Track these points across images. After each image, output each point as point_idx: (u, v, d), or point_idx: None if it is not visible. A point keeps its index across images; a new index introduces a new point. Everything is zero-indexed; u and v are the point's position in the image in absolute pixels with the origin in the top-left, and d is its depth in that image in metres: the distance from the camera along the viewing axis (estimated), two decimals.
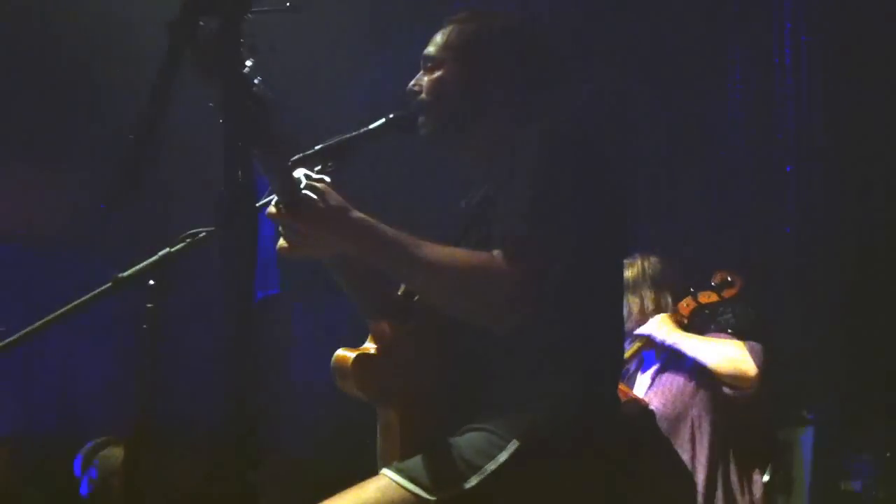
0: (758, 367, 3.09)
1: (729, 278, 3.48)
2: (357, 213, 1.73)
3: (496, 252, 1.76)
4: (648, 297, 3.39)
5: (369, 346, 2.03)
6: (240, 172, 1.00)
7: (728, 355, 3.13)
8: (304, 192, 1.69)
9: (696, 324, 3.42)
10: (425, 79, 2.05)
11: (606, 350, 2.00)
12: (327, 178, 1.75)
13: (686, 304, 3.45)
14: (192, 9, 1.01)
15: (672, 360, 3.33)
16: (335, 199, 1.71)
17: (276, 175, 1.66)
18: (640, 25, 4.46)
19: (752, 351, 3.12)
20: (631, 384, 3.40)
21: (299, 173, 1.74)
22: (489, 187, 2.03)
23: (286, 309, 5.43)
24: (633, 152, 4.39)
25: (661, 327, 3.31)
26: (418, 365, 2.00)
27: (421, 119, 2.03)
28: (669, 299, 3.42)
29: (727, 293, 3.47)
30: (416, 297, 2.00)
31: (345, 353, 1.99)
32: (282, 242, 1.78)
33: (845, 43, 3.97)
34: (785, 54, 4.15)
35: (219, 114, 1.36)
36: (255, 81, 1.33)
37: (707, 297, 3.47)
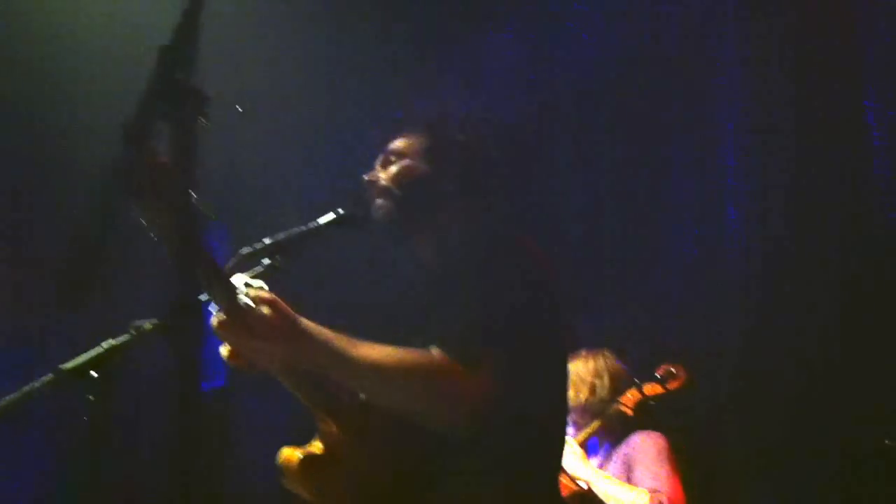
0: None
1: (673, 370, 3.55)
2: (301, 321, 1.74)
3: (438, 353, 1.78)
4: (585, 381, 3.45)
5: (316, 446, 2.01)
6: (185, 270, 1.02)
7: None
8: (244, 300, 1.69)
9: (641, 419, 3.47)
10: (390, 169, 2.12)
11: (554, 445, 2.03)
12: (265, 286, 1.75)
13: (631, 396, 3.50)
14: (146, 111, 1.04)
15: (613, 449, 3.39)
16: (278, 307, 1.71)
17: (213, 288, 1.67)
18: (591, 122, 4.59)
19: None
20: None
21: (239, 280, 1.75)
22: (435, 274, 2.07)
23: (232, 401, 5.35)
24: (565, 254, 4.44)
25: (571, 461, 3.30)
26: (365, 465, 1.98)
27: (380, 202, 2.09)
28: (607, 386, 3.47)
29: (671, 385, 3.54)
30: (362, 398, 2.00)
31: (291, 452, 1.98)
32: (225, 350, 1.79)
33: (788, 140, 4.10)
34: (728, 154, 4.26)
35: (152, 231, 1.39)
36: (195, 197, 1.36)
37: (652, 389, 3.53)
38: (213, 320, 1.73)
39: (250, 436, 5.22)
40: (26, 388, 2.09)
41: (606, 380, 3.49)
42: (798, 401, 3.81)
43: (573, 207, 4.56)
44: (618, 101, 4.53)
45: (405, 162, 2.12)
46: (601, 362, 3.52)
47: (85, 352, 2.04)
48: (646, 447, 3.32)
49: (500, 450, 1.86)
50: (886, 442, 3.42)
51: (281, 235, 1.96)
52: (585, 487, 3.25)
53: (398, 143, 2.15)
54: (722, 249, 4.23)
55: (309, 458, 1.96)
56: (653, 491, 3.15)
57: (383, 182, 2.10)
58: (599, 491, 3.20)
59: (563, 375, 2.11)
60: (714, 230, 4.26)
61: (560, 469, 2.13)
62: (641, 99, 4.47)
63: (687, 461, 3.34)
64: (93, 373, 2.04)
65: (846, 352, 3.72)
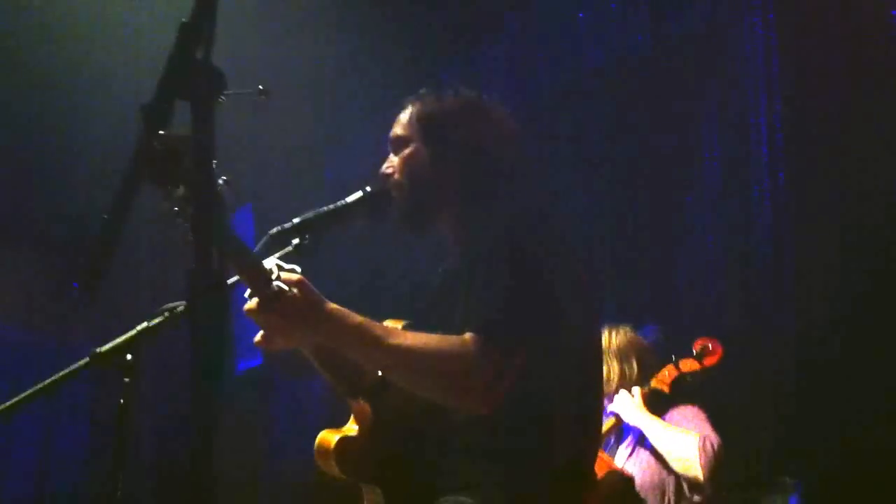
0: (708, 470, 3.12)
1: (710, 346, 3.50)
2: (329, 305, 1.75)
3: (468, 337, 1.76)
4: (613, 368, 3.41)
5: (352, 427, 2.02)
6: (210, 251, 1.01)
7: (681, 455, 3.14)
8: (276, 284, 1.70)
9: (681, 392, 3.43)
10: (395, 159, 2.08)
11: (581, 424, 2.00)
12: (298, 269, 1.76)
13: (668, 373, 3.46)
14: (166, 91, 1.03)
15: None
16: (308, 291, 1.73)
17: (245, 273, 1.69)
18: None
19: (705, 450, 3.13)
20: (612, 455, 3.39)
21: (271, 263, 1.76)
22: (459, 260, 2.04)
23: (269, 381, 5.40)
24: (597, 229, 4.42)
25: (626, 406, 3.32)
26: (399, 443, 1.99)
27: (394, 195, 2.05)
28: (636, 368, 3.43)
29: (708, 361, 3.49)
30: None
31: (327, 436, 2.00)
32: (259, 336, 1.80)
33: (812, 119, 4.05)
34: (761, 123, 4.21)
35: (179, 216, 1.39)
36: (220, 181, 1.36)
37: (688, 366, 3.48)
38: (248, 304, 1.74)
39: (286, 415, 5.27)
40: (63, 372, 2.12)
41: (634, 362, 3.45)
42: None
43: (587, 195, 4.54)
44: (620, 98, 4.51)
45: (409, 149, 2.06)
46: (625, 341, 3.47)
47: (118, 335, 2.06)
48: (688, 417, 3.29)
49: (525, 425, 1.85)
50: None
51: (309, 214, 1.96)
52: (621, 467, 3.24)
53: (399, 126, 2.09)
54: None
55: (344, 440, 1.98)
56: (703, 435, 3.16)
57: (393, 174, 2.06)
58: (652, 435, 3.22)
59: (595, 359, 2.09)
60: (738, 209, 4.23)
61: (595, 448, 2.12)
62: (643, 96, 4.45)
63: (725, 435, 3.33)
64: (128, 355, 2.06)
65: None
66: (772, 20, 4.09)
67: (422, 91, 2.13)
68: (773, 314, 3.95)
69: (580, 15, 4.69)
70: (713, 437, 3.16)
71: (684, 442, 3.16)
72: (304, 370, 2.07)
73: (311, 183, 4.53)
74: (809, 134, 3.95)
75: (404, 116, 2.10)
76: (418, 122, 2.06)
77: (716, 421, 3.27)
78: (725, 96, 4.25)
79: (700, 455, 3.10)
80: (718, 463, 3.13)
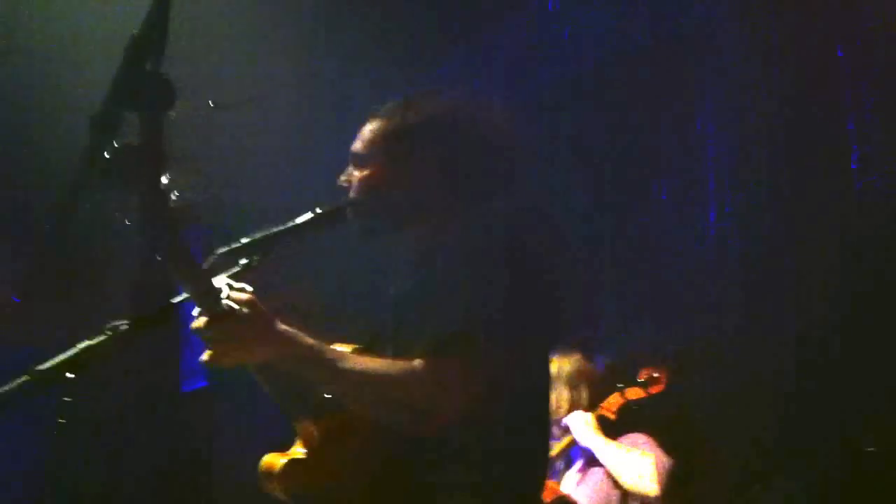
0: (660, 485, 3.18)
1: (655, 374, 3.55)
2: (279, 325, 1.72)
3: (421, 360, 1.75)
4: (563, 395, 3.44)
5: (298, 451, 1.99)
6: (157, 268, 1.00)
7: (634, 474, 3.24)
8: (226, 303, 1.68)
9: (626, 420, 3.46)
10: (355, 174, 2.04)
11: (535, 451, 1.99)
12: (249, 287, 1.74)
13: (613, 401, 3.50)
14: (115, 103, 1.02)
15: (595, 456, 3.37)
16: (258, 310, 1.70)
17: (193, 290, 1.66)
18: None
19: (658, 468, 3.20)
20: (559, 481, 3.41)
21: (221, 281, 1.73)
22: (417, 276, 2.01)
23: (213, 401, 5.31)
24: (565, 256, 4.41)
25: (580, 428, 3.36)
26: (345, 466, 1.95)
27: (350, 216, 2.03)
28: (585, 396, 3.47)
29: (653, 389, 3.55)
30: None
31: (272, 459, 1.96)
32: (205, 354, 1.76)
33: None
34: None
35: (132, 224, 1.37)
36: (173, 195, 1.33)
37: (634, 394, 3.53)
38: (195, 322, 1.71)
39: (230, 436, 5.18)
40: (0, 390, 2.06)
41: (584, 390, 3.49)
42: (791, 401, 3.83)
43: (565, 205, 4.54)
44: (608, 98, 4.53)
45: (369, 169, 2.02)
46: (575, 370, 3.50)
47: (59, 353, 2.02)
48: (638, 443, 3.34)
49: (482, 451, 1.84)
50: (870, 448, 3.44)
51: (258, 235, 1.94)
52: (567, 492, 3.26)
53: (361, 142, 2.05)
54: (707, 250, 4.23)
55: (291, 463, 1.94)
56: (656, 454, 3.27)
57: (352, 192, 2.03)
58: (605, 456, 3.29)
59: (546, 387, 2.06)
60: (702, 229, 4.27)
61: (544, 476, 2.12)
62: (632, 97, 4.48)
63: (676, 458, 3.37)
64: (68, 374, 2.02)
65: (844, 352, 3.73)
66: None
67: (388, 104, 2.08)
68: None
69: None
70: (665, 459, 3.22)
71: (638, 462, 3.23)
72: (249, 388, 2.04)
73: (267, 201, 4.48)
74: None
75: (367, 132, 2.05)
76: (382, 140, 2.02)
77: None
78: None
79: (655, 473, 3.16)
80: (671, 482, 3.21)
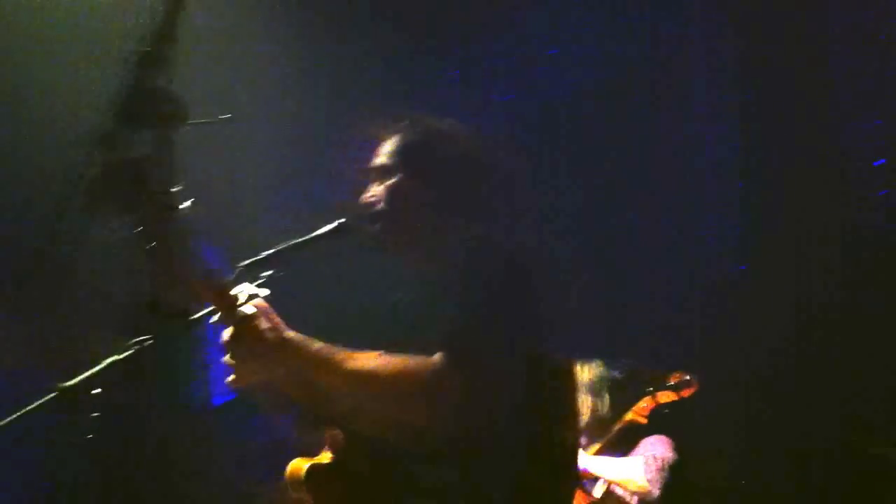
0: (655, 481, 3.25)
1: (687, 377, 3.53)
2: (289, 332, 1.77)
3: (433, 357, 1.75)
4: (585, 402, 3.42)
5: (325, 455, 1.99)
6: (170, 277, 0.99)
7: (629, 477, 3.31)
8: (240, 311, 1.72)
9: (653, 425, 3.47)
10: (380, 188, 2.05)
11: (557, 459, 1.97)
12: (262, 294, 1.77)
13: (645, 405, 3.48)
14: (125, 121, 1.01)
15: None
16: (268, 318, 1.75)
17: (209, 298, 1.70)
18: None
19: (648, 466, 3.25)
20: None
21: (240, 288, 1.76)
22: (425, 286, 2.02)
23: (246, 411, 5.33)
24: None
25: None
26: (372, 471, 1.95)
27: (377, 227, 2.03)
28: (607, 402, 3.46)
29: (685, 392, 3.52)
30: None
31: (299, 464, 1.97)
32: (231, 377, 1.81)
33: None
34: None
35: (140, 240, 1.38)
36: (183, 205, 1.35)
37: (666, 397, 3.51)
38: (224, 334, 1.76)
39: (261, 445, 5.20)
40: (28, 407, 2.07)
41: (606, 397, 3.47)
42: (801, 397, 3.81)
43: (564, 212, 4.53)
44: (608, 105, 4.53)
45: (392, 178, 2.05)
46: (596, 376, 3.49)
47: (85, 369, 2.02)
48: (655, 444, 3.36)
49: (498, 459, 1.82)
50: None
51: (279, 246, 1.95)
52: (598, 497, 3.27)
53: (384, 155, 2.08)
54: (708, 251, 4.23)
55: (315, 467, 1.95)
56: (644, 455, 3.32)
57: (376, 204, 2.04)
58: (599, 471, 3.36)
59: (562, 389, 2.02)
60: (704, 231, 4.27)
61: (571, 479, 2.09)
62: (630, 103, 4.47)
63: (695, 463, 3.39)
64: (94, 390, 2.02)
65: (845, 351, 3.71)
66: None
67: (401, 117, 2.11)
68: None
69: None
70: (659, 455, 3.29)
71: (629, 465, 3.28)
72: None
73: (285, 213, 4.49)
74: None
75: (388, 145, 2.08)
76: (405, 152, 2.05)
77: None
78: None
79: (645, 471, 3.19)
80: (666, 472, 3.28)
